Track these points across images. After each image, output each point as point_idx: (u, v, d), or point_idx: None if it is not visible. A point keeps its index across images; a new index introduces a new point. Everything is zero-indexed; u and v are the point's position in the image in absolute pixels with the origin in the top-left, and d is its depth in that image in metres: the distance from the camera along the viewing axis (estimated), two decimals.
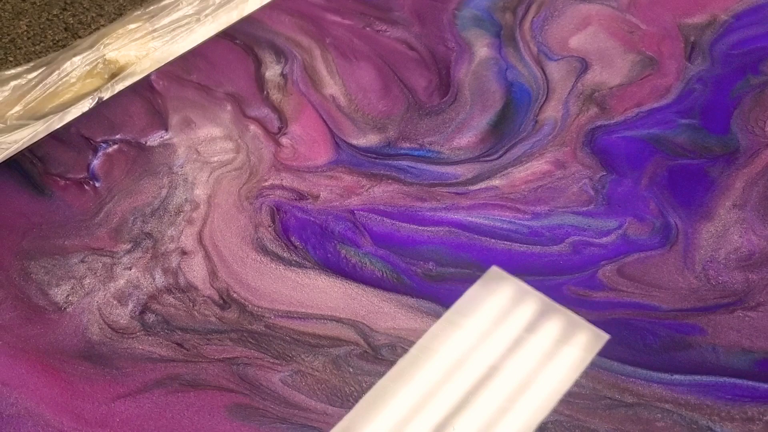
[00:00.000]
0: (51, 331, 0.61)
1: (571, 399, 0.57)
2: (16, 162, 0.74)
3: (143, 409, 0.57)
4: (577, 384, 0.58)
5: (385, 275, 0.65)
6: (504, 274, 0.64)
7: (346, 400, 0.57)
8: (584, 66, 0.81)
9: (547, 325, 0.61)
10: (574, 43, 0.83)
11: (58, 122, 0.79)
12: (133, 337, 0.61)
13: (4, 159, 0.74)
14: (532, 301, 0.62)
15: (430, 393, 0.58)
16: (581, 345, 0.60)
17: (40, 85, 0.84)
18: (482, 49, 0.83)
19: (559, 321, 0.61)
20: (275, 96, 0.79)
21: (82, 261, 0.66)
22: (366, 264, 0.66)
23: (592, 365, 0.59)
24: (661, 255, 0.65)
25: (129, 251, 0.67)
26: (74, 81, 0.85)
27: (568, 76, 0.80)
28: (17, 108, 0.83)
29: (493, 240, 0.67)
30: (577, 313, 0.62)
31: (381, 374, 0.59)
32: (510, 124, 0.76)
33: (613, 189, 0.70)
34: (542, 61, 0.82)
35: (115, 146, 0.75)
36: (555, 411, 0.57)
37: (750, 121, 0.74)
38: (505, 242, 0.67)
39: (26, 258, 0.66)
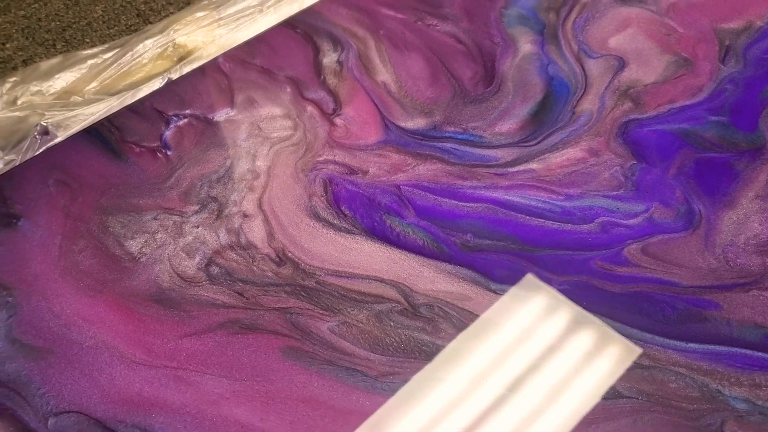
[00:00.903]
0: (126, 277, 0.69)
1: None
2: (97, 130, 0.81)
3: (207, 346, 0.64)
4: None
5: (426, 244, 0.71)
6: (539, 282, 0.67)
7: (386, 349, 0.63)
8: (621, 64, 0.86)
9: (580, 336, 0.64)
10: (614, 43, 0.88)
11: (130, 98, 0.86)
12: (199, 286, 0.68)
13: (85, 127, 0.82)
14: (566, 311, 0.66)
15: (460, 396, 0.61)
16: (613, 356, 0.62)
17: (115, 64, 0.92)
18: (526, 45, 0.89)
19: (592, 332, 0.64)
20: (331, 81, 0.86)
21: (155, 218, 0.73)
22: (409, 233, 0.72)
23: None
24: (683, 237, 0.70)
25: (197, 212, 0.74)
26: (146, 62, 0.92)
27: (605, 73, 0.85)
28: (93, 84, 0.90)
29: (527, 217, 0.72)
30: (601, 284, 0.67)
31: (418, 329, 0.65)
32: (549, 113, 0.81)
33: (642, 176, 0.75)
34: (582, 58, 0.87)
35: (186, 120, 0.82)
36: None
37: None
38: (539, 219, 0.72)
39: (104, 213, 0.73)
